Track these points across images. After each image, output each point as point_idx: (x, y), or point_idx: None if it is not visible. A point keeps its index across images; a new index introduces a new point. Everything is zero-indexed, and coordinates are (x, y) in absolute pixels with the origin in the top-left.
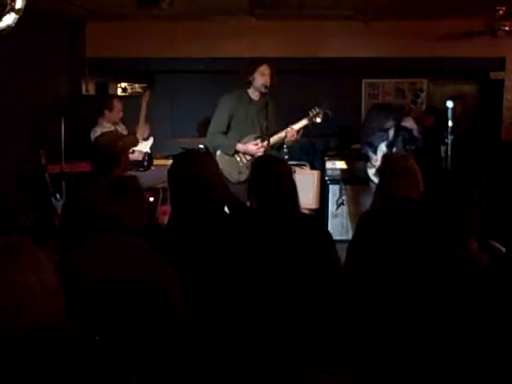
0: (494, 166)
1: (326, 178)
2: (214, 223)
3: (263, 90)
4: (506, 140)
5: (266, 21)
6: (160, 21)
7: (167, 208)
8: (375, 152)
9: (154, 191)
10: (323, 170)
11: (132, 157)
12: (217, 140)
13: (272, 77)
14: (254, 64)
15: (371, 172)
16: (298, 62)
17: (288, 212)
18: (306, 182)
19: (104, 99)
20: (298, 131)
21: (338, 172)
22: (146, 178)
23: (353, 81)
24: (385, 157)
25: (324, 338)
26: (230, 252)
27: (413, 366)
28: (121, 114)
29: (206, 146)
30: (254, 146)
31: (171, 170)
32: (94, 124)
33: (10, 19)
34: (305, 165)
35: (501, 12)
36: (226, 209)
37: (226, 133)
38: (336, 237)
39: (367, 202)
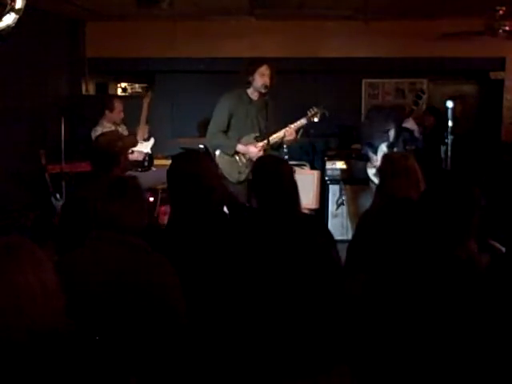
0: (493, 166)
1: (326, 178)
2: (213, 223)
3: (263, 91)
4: (506, 140)
5: (266, 21)
6: (160, 21)
7: (167, 208)
8: (376, 152)
9: (153, 192)
10: (323, 170)
11: (132, 157)
12: (217, 139)
13: (272, 77)
14: (253, 64)
15: (371, 172)
16: (298, 62)
17: (289, 212)
18: (306, 182)
19: (105, 99)
20: (296, 131)
21: (338, 172)
22: (146, 178)
23: (353, 81)
24: (385, 156)
25: (324, 338)
26: (230, 252)
27: (413, 366)
28: (122, 114)
29: (205, 146)
30: (255, 149)
31: (170, 171)
32: (94, 124)
33: (10, 19)
34: (305, 165)
35: (501, 12)
36: (225, 209)
37: (225, 132)
38: (336, 237)
39: (367, 202)
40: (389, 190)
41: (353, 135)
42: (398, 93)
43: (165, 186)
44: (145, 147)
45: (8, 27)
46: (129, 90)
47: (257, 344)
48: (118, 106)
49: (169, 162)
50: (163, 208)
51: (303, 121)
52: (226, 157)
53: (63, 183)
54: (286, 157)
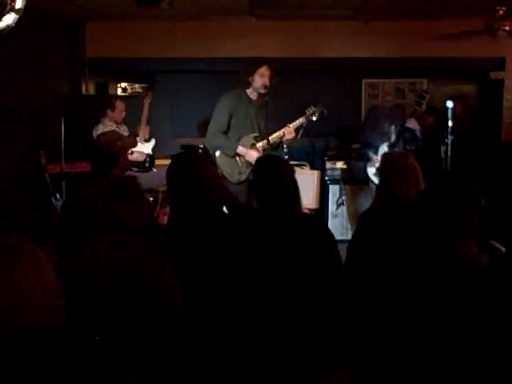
0: (493, 165)
1: (326, 178)
2: (213, 223)
3: (262, 91)
4: (506, 140)
5: (266, 21)
6: (160, 21)
7: (167, 209)
8: (376, 152)
9: (154, 193)
10: (323, 170)
11: (133, 158)
12: (217, 140)
13: (271, 78)
14: (253, 65)
15: (371, 172)
16: (298, 62)
17: (290, 212)
18: (306, 182)
19: (107, 99)
20: (296, 130)
21: (338, 172)
22: (147, 179)
23: (353, 81)
24: (385, 155)
25: (324, 338)
26: (230, 252)
27: (413, 367)
28: (123, 113)
29: (205, 146)
30: (256, 153)
31: (169, 171)
32: (95, 124)
33: (10, 19)
34: (305, 165)
35: (501, 12)
36: (224, 209)
37: (226, 132)
38: (336, 237)
39: (367, 202)
40: (389, 190)
41: (353, 135)
42: (397, 93)
43: (165, 187)
44: (146, 148)
45: (8, 27)
46: (129, 90)
47: (257, 344)
48: (119, 105)
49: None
50: (163, 210)
51: (302, 120)
52: (227, 157)
53: (63, 183)
54: (286, 157)
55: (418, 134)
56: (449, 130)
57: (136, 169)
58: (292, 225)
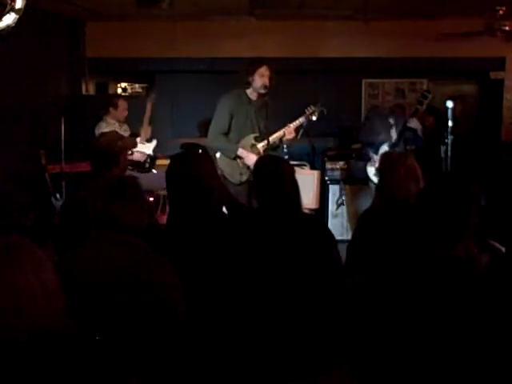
0: (493, 166)
1: (326, 178)
2: (213, 223)
3: (262, 91)
4: (506, 140)
5: (266, 21)
6: (160, 21)
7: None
8: (376, 152)
9: (155, 197)
10: (323, 170)
11: (133, 157)
12: (218, 142)
13: (271, 78)
14: (253, 65)
15: (371, 172)
16: (298, 62)
17: (290, 212)
18: (306, 182)
19: (110, 97)
20: (296, 130)
21: (338, 172)
22: (146, 180)
23: (353, 81)
24: (384, 155)
25: (325, 338)
26: (230, 252)
27: (413, 367)
28: (126, 112)
29: (204, 146)
30: (256, 157)
31: (169, 171)
32: (96, 122)
33: (10, 19)
34: (305, 165)
35: (501, 12)
36: (224, 209)
37: (227, 133)
38: (336, 237)
39: (367, 202)
40: (388, 189)
41: (353, 135)
42: (397, 93)
43: (165, 190)
44: (147, 148)
45: (8, 27)
46: (129, 90)
47: (257, 344)
48: (122, 103)
49: None
50: (163, 215)
51: (302, 119)
52: (227, 158)
53: (63, 183)
54: (286, 157)
55: (420, 133)
56: (449, 130)
57: (135, 169)
58: (292, 225)
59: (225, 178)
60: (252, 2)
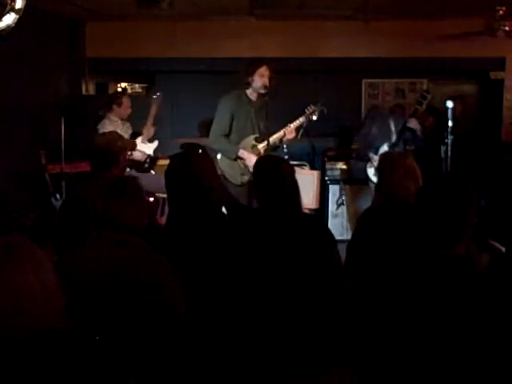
0: (493, 166)
1: (326, 178)
2: (212, 223)
3: (262, 91)
4: (506, 140)
5: (266, 21)
6: (160, 21)
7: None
8: (376, 152)
9: (156, 200)
10: (323, 170)
11: (133, 156)
12: (219, 144)
13: (271, 78)
14: (253, 65)
15: (371, 172)
16: (298, 62)
17: (290, 212)
18: (306, 182)
19: (113, 95)
20: (296, 130)
21: (338, 172)
22: (145, 181)
23: (353, 81)
24: (384, 155)
25: (324, 338)
26: (230, 252)
27: (413, 366)
28: (129, 110)
29: (204, 146)
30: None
31: (168, 171)
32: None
33: (10, 19)
34: (305, 165)
35: (501, 12)
36: (223, 209)
37: (228, 135)
38: (336, 237)
39: (367, 202)
40: (388, 189)
41: (353, 135)
42: (397, 93)
43: (163, 193)
44: (148, 148)
45: (8, 27)
46: (129, 90)
47: (257, 344)
48: (125, 101)
49: None
50: (162, 218)
51: (302, 119)
52: (228, 159)
53: (63, 183)
54: (286, 157)
55: (419, 133)
56: (449, 129)
57: (133, 168)
58: (292, 225)
59: (226, 178)
60: (252, 1)
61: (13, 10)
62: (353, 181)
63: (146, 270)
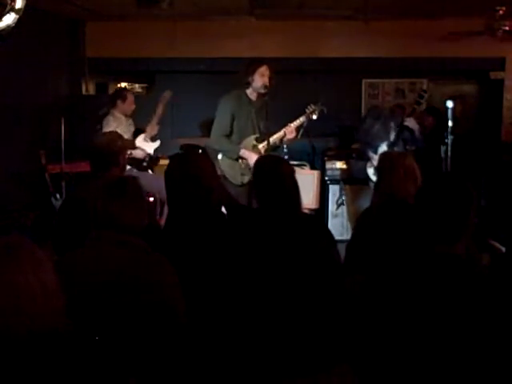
0: (493, 166)
1: (326, 178)
2: (212, 223)
3: (263, 91)
4: (506, 140)
5: (266, 21)
6: (160, 21)
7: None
8: (376, 152)
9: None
10: (323, 170)
11: (133, 154)
12: (220, 144)
13: (271, 78)
14: (253, 64)
15: (371, 172)
16: (298, 62)
17: (290, 212)
18: (306, 182)
19: (118, 91)
20: (297, 129)
21: (338, 172)
22: (143, 180)
23: (353, 81)
24: (383, 155)
25: (325, 337)
26: (230, 251)
27: (413, 365)
28: (133, 106)
29: (204, 147)
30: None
31: (168, 171)
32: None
33: (10, 19)
34: (305, 165)
35: (501, 12)
36: (223, 209)
37: (229, 135)
38: (336, 237)
39: (367, 202)
40: (387, 188)
41: (353, 135)
42: (397, 93)
43: (161, 195)
44: (149, 147)
45: (8, 27)
46: None
47: (256, 343)
48: (130, 96)
49: None
50: (162, 219)
51: (303, 119)
52: (229, 159)
53: (63, 183)
54: (286, 157)
55: (417, 133)
56: (449, 129)
57: (133, 165)
58: (292, 225)
59: (226, 179)
60: (252, 1)
61: (13, 9)
62: (353, 181)
63: (146, 270)
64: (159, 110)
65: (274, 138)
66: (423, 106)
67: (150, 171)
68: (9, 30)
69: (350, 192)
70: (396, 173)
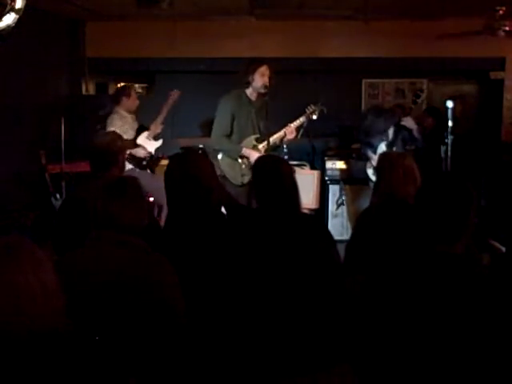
0: (493, 166)
1: (326, 178)
2: (212, 223)
3: (263, 91)
4: (505, 140)
5: (266, 21)
6: (160, 21)
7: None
8: (375, 152)
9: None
10: (323, 170)
11: (133, 152)
12: (221, 144)
13: (271, 78)
14: (253, 64)
15: (371, 172)
16: (298, 62)
17: (289, 212)
18: (306, 182)
19: (122, 88)
20: (297, 129)
21: (338, 172)
22: (142, 180)
23: (353, 81)
24: (382, 154)
25: (325, 337)
26: (230, 251)
27: (413, 364)
28: (137, 102)
29: (203, 147)
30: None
31: (167, 171)
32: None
33: (9, 19)
34: (305, 165)
35: (501, 12)
36: (223, 209)
37: (229, 135)
38: (336, 237)
39: (367, 202)
40: (387, 188)
41: (353, 135)
42: (397, 93)
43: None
44: (151, 146)
45: (8, 27)
46: None
47: (256, 342)
48: (133, 93)
49: None
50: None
51: (303, 119)
52: (229, 160)
53: (63, 183)
54: (286, 157)
55: (415, 133)
56: (449, 129)
57: (132, 162)
58: (291, 225)
59: (226, 179)
60: (252, 1)
61: (13, 9)
62: (353, 181)
63: (146, 270)
64: (165, 109)
65: (274, 138)
66: (423, 106)
67: (148, 171)
68: (9, 29)
69: (350, 192)
70: (395, 173)
